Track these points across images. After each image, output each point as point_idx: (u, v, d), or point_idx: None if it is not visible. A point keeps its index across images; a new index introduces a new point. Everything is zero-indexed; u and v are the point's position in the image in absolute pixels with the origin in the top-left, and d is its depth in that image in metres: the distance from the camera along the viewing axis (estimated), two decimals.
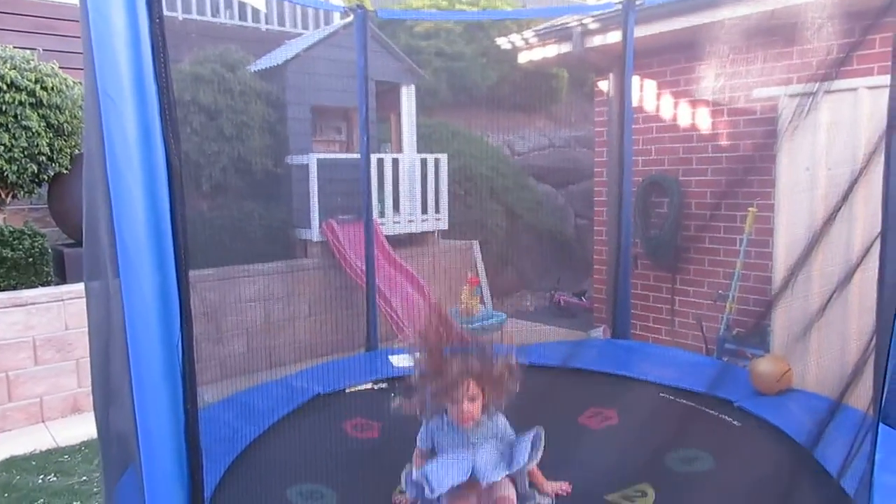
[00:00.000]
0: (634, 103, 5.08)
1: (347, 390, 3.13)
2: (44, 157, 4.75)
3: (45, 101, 4.70)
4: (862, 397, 1.95)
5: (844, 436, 2.20)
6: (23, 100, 4.57)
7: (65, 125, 4.86)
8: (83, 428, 4.11)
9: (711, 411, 2.84)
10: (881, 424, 2.54)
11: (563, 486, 2.31)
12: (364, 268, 4.38)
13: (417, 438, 2.24)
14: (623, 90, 4.27)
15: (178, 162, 1.34)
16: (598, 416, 2.90)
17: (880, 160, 1.77)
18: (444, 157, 6.60)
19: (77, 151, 5.02)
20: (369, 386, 3.18)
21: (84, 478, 3.51)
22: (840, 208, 2.33)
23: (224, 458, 2.31)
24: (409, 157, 6.52)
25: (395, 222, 6.25)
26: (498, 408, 2.17)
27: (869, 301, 1.79)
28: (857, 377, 1.85)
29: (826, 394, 2.67)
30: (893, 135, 1.73)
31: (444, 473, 2.04)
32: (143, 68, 1.34)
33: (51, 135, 4.77)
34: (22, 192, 4.90)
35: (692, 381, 3.10)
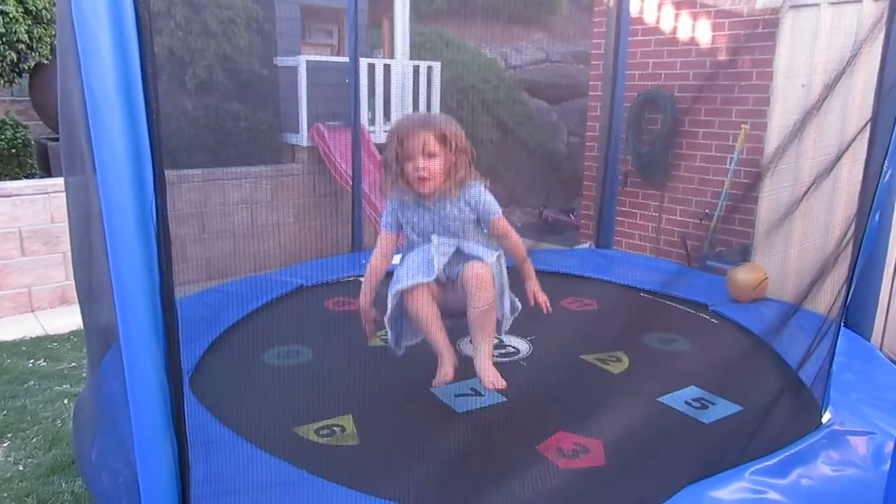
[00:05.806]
0: (634, 13, 4.92)
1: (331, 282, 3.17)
2: (23, 45, 4.60)
3: None
4: (827, 296, 2.00)
5: (809, 334, 2.27)
6: None
7: (43, 12, 4.68)
8: (72, 318, 4.13)
9: (690, 310, 2.91)
10: (846, 328, 2.62)
11: (545, 301, 2.10)
12: (351, 173, 4.36)
13: (381, 222, 2.09)
14: None
15: (148, 14, 1.29)
16: (577, 302, 2.95)
17: (876, 48, 1.73)
18: (437, 66, 6.43)
19: None
20: (353, 278, 3.22)
21: (73, 364, 3.59)
22: (827, 97, 2.30)
23: (206, 336, 2.36)
24: (402, 63, 6.35)
25: (384, 130, 6.16)
26: (463, 180, 1.99)
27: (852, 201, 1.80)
28: (826, 273, 1.89)
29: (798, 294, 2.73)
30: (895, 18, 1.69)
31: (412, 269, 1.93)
32: None
33: (29, 21, 4.60)
34: (2, 82, 4.77)
35: (671, 286, 3.15)
